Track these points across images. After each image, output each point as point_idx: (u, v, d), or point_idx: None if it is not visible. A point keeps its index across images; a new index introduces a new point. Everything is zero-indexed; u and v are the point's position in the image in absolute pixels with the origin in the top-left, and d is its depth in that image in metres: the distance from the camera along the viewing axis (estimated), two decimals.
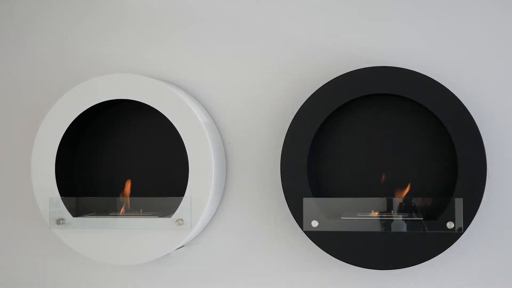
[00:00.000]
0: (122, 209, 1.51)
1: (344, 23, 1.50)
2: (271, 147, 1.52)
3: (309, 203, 1.40)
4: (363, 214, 1.41)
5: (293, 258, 1.52)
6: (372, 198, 1.43)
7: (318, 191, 1.46)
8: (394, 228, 1.37)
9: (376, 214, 1.41)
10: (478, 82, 1.44)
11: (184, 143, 1.44)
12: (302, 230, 1.41)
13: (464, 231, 1.35)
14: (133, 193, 1.55)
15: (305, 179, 1.41)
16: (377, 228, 1.38)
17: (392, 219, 1.38)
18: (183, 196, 1.43)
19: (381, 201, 1.42)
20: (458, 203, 1.35)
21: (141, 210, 1.51)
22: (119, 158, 1.59)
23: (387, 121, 1.46)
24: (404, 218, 1.38)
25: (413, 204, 1.41)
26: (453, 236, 1.36)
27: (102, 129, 1.60)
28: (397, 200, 1.41)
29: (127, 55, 1.59)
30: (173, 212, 1.43)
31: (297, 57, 1.52)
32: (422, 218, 1.37)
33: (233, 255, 1.55)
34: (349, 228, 1.39)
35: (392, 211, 1.40)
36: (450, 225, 1.35)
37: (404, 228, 1.37)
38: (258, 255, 1.53)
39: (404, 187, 1.44)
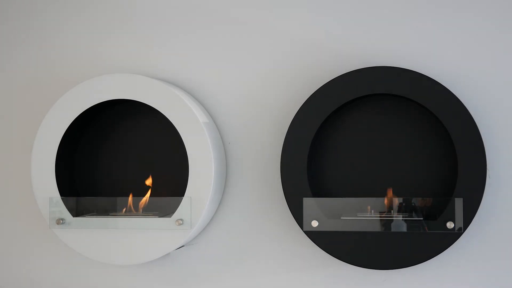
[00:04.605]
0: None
1: (344, 23, 1.50)
2: (271, 147, 1.52)
3: (309, 203, 1.40)
4: (363, 214, 1.41)
5: (293, 258, 1.52)
6: (372, 198, 1.43)
7: (318, 191, 1.46)
8: (394, 228, 1.37)
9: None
10: (478, 82, 1.44)
11: (184, 143, 1.44)
12: (302, 230, 1.41)
13: (464, 231, 1.35)
14: (133, 193, 1.55)
15: (305, 179, 1.41)
16: (377, 228, 1.39)
17: (392, 219, 1.38)
18: (183, 196, 1.43)
19: (381, 201, 1.42)
20: (458, 203, 1.35)
21: (141, 210, 1.51)
22: (119, 158, 1.59)
23: (387, 121, 1.46)
24: (404, 218, 1.38)
25: (413, 204, 1.41)
26: (453, 236, 1.36)
27: (102, 129, 1.60)
28: (396, 200, 1.42)
29: (127, 55, 1.59)
30: (173, 212, 1.43)
31: (297, 57, 1.52)
32: (422, 218, 1.37)
33: (233, 255, 1.55)
34: (349, 228, 1.39)
35: (392, 211, 1.40)
36: (450, 225, 1.35)
37: (404, 228, 1.37)
38: (258, 255, 1.53)
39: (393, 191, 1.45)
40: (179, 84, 1.57)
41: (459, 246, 1.42)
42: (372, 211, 1.41)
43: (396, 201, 1.41)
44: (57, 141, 1.50)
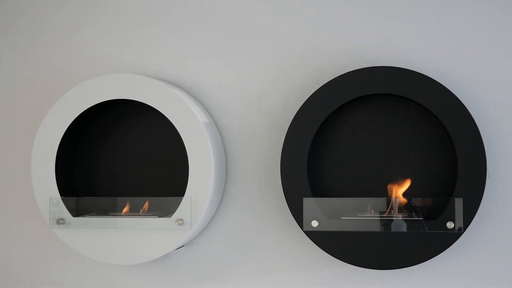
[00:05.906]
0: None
1: (344, 23, 1.50)
2: (271, 147, 1.52)
3: (309, 203, 1.40)
4: (363, 214, 1.41)
5: (293, 258, 1.52)
6: (372, 198, 1.43)
7: (318, 191, 1.46)
8: (394, 228, 1.37)
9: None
10: (478, 82, 1.44)
11: (184, 143, 1.44)
12: (302, 230, 1.41)
13: (464, 231, 1.35)
14: (133, 193, 1.55)
15: (305, 179, 1.41)
16: (377, 228, 1.38)
17: (392, 219, 1.38)
18: (183, 196, 1.43)
19: (381, 201, 1.42)
20: (458, 203, 1.35)
21: (141, 210, 1.51)
22: (119, 158, 1.59)
23: (387, 121, 1.46)
24: (404, 218, 1.38)
25: (413, 204, 1.41)
26: (453, 236, 1.36)
27: (102, 129, 1.60)
28: (398, 199, 1.42)
29: (127, 55, 1.59)
30: (173, 212, 1.43)
31: (297, 57, 1.52)
32: (422, 218, 1.37)
33: (233, 255, 1.55)
34: (349, 228, 1.39)
35: (392, 211, 1.40)
36: (450, 225, 1.35)
37: (404, 228, 1.37)
38: (258, 255, 1.53)
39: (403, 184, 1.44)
40: (179, 84, 1.57)
41: (459, 246, 1.42)
42: (372, 211, 1.41)
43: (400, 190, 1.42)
44: (57, 141, 1.50)
